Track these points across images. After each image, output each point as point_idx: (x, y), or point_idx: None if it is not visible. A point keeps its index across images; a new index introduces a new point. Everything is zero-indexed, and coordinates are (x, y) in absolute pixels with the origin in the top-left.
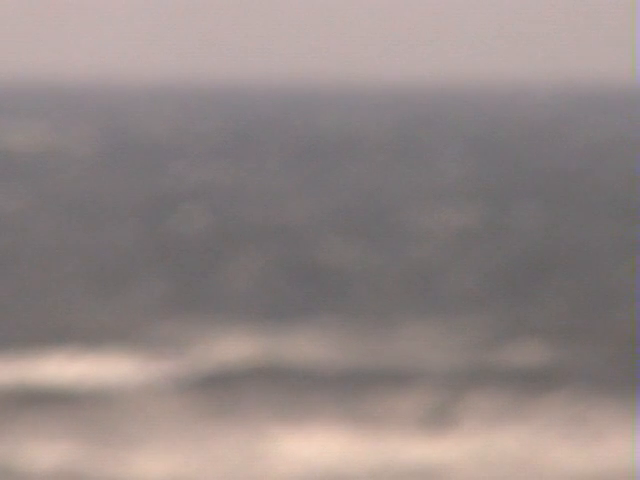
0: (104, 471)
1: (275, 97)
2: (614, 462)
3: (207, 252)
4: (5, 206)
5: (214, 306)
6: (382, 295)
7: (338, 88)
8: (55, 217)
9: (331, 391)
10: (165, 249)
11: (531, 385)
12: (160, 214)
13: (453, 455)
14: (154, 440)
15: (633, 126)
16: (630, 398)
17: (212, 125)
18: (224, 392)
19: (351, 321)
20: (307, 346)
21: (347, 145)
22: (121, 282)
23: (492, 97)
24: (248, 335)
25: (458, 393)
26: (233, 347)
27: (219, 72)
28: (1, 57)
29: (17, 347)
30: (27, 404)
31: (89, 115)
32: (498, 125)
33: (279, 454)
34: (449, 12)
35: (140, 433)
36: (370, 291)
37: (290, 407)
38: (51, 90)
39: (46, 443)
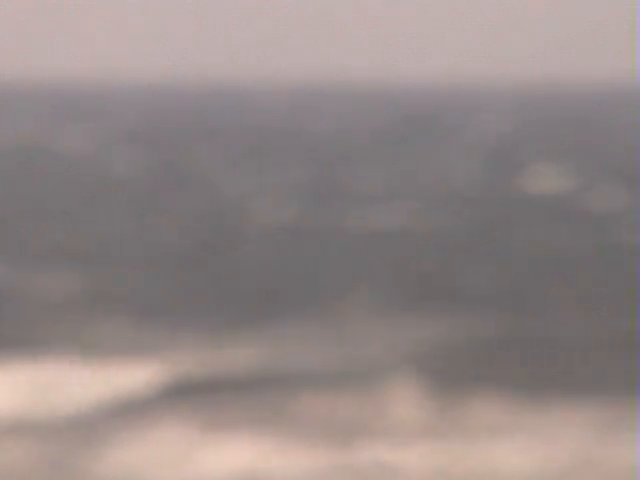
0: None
1: (273, 97)
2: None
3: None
4: None
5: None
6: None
7: (335, 88)
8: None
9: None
10: (132, 247)
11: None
12: (142, 212)
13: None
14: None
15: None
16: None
17: (207, 125)
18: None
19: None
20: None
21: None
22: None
23: (490, 98)
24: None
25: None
26: (180, 356)
27: (218, 72)
28: (2, 58)
29: None
30: None
31: (87, 115)
32: (489, 127)
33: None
34: (448, 12)
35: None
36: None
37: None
38: (50, 90)
39: None
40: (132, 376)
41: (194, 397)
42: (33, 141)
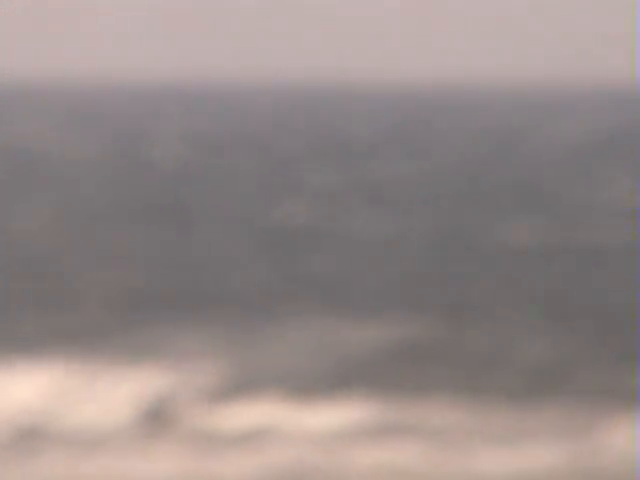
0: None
1: (274, 97)
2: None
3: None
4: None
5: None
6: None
7: (335, 88)
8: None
9: None
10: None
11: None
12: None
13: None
14: None
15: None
16: None
17: (209, 125)
18: None
19: None
20: None
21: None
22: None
23: (488, 98)
24: None
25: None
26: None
27: (219, 72)
28: (2, 58)
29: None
30: None
31: (89, 115)
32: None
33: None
34: (448, 12)
35: None
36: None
37: None
38: (51, 91)
39: None
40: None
41: None
42: (35, 141)
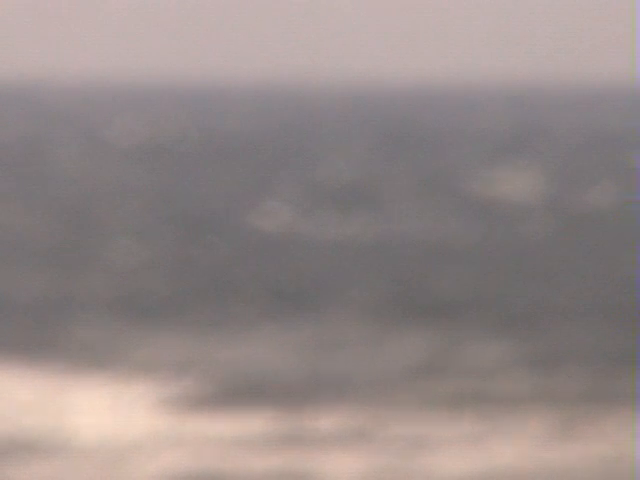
0: None
1: (271, 97)
2: None
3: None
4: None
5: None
6: None
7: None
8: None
9: None
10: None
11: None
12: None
13: None
14: None
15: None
16: None
17: (209, 126)
18: None
19: None
20: None
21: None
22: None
23: (489, 97)
24: None
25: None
26: None
27: (218, 71)
28: (2, 58)
29: None
30: None
31: (88, 115)
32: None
33: None
34: (447, 11)
35: None
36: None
37: None
38: (51, 90)
39: None
40: None
41: None
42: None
